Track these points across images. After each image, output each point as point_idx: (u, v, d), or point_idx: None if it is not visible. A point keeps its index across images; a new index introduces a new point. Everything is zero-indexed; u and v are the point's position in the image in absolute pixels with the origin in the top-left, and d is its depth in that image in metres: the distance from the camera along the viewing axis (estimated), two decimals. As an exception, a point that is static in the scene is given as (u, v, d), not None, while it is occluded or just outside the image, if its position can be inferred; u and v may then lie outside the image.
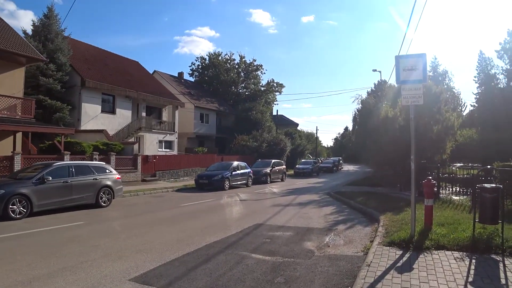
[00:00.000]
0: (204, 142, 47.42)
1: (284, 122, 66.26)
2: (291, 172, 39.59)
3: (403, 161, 21.21)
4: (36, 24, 28.40)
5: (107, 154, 22.82)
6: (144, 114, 34.78)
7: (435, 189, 14.96)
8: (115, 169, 22.91)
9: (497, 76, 31.85)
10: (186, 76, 60.16)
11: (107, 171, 14.90)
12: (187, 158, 31.23)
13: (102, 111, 30.29)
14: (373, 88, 39.49)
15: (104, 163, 16.23)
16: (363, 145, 33.75)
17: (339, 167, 54.74)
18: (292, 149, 45.96)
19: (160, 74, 48.80)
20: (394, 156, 23.53)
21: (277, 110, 56.88)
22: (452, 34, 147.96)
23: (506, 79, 30.88)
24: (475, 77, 33.44)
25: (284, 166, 31.51)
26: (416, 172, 16.39)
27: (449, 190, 15.02)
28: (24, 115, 20.57)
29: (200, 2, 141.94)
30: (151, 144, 34.75)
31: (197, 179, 22.25)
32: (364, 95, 34.73)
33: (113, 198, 14.64)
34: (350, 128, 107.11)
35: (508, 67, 30.51)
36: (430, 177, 7.84)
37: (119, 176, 15.35)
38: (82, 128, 28.00)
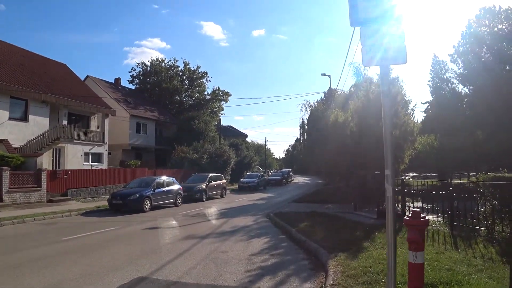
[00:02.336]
0: (142, 154, 42.98)
1: (232, 134, 62.89)
2: (236, 186, 36.15)
3: (356, 173, 18.36)
4: None
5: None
6: (65, 122, 29.99)
7: (400, 210, 11.95)
8: (10, 188, 18.68)
9: (452, 80, 30.19)
10: (125, 83, 55.50)
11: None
12: (111, 172, 26.85)
13: (10, 118, 25.33)
14: (322, 98, 36.97)
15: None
16: (312, 155, 31.05)
17: (289, 180, 51.90)
18: (238, 161, 42.40)
19: (93, 80, 43.95)
20: (346, 167, 20.66)
21: (220, 120, 52.90)
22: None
23: (459, 84, 29.29)
24: (429, 81, 31.61)
25: (223, 181, 27.87)
26: (372, 186, 13.23)
27: (410, 206, 11.98)
28: None
29: (150, 13, 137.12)
30: (74, 156, 30.01)
31: (110, 199, 18.04)
32: (312, 102, 31.97)
33: (-34, 231, 10.48)
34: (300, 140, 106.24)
35: (462, 71, 28.89)
36: (418, 209, 4.46)
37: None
38: (-17, 137, 23.14)
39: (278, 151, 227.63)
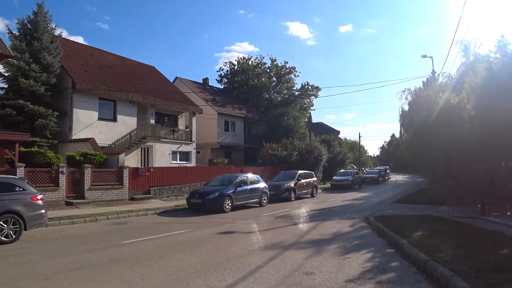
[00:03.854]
0: (230, 153, 42.09)
1: (323, 130, 59.86)
2: (329, 185, 33.52)
3: (474, 166, 14.86)
4: (24, 22, 23.99)
5: (82, 167, 17.98)
6: (152, 121, 29.83)
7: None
8: (91, 185, 18.24)
9: None
10: (214, 84, 55.66)
11: (17, 189, 9.70)
12: (196, 170, 25.78)
13: (100, 118, 25.63)
14: (422, 86, 32.52)
15: (14, 177, 11.04)
16: (413, 149, 27.33)
17: (386, 178, 47.79)
18: (330, 158, 39.42)
19: (181, 81, 44.19)
20: (461, 159, 17.07)
21: (310, 115, 50.25)
22: None
23: None
24: None
25: (314, 179, 25.32)
26: (506, 183, 9.87)
27: None
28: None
29: (237, 19, 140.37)
30: (162, 155, 29.77)
31: (188, 197, 16.66)
32: (413, 89, 27.94)
33: (25, 230, 9.50)
34: (397, 134, 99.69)
35: None
36: None
37: (39, 196, 10.07)
38: (75, 137, 23.51)
39: (372, 149, 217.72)
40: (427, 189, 25.90)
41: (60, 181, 16.98)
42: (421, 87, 29.86)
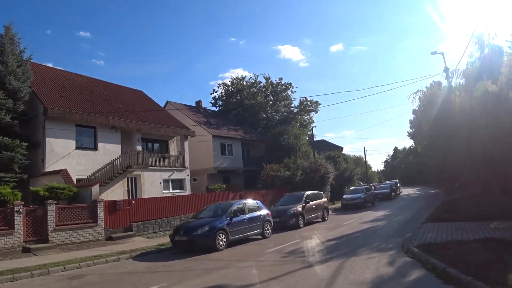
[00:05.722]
0: (229, 178, 38.92)
1: (326, 147, 56.58)
2: (338, 204, 30.27)
3: None
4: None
5: (45, 204, 14.82)
6: (139, 147, 26.72)
7: None
8: (57, 225, 14.97)
9: None
10: (208, 106, 53.01)
11: None
12: (187, 199, 22.43)
13: (78, 147, 22.57)
14: (428, 88, 29.42)
15: None
16: (430, 157, 24.40)
17: (398, 192, 44.58)
18: (336, 175, 35.91)
19: (172, 105, 41.36)
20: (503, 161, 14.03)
21: (312, 131, 47.28)
22: None
23: None
24: None
25: (324, 199, 22.01)
26: None
27: None
28: None
29: (229, 46, 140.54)
30: (152, 185, 26.58)
31: (172, 234, 13.31)
32: (426, 90, 25.13)
33: None
34: (400, 148, 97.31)
35: None
36: None
37: None
38: (49, 170, 20.45)
39: (374, 164, 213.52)
40: (452, 201, 22.59)
41: (15, 223, 13.72)
42: (428, 88, 27.14)
